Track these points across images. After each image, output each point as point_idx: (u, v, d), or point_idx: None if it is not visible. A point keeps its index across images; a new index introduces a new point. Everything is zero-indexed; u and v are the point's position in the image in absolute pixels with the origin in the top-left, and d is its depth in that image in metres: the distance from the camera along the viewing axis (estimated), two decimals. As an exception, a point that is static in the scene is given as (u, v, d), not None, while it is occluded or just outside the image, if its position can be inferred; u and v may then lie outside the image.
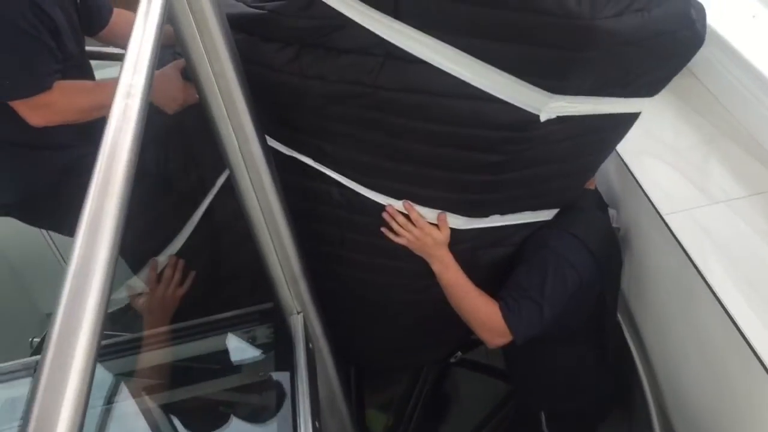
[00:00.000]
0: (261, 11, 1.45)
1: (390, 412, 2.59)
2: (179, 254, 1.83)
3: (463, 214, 1.63)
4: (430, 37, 1.35)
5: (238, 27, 1.45)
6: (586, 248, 1.70)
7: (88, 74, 1.96)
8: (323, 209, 1.65)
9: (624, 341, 1.95)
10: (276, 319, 1.62)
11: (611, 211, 1.93)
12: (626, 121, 1.62)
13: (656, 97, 2.19)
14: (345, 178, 1.59)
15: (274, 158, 1.43)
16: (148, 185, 1.76)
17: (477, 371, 2.57)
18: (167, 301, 1.81)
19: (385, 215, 1.63)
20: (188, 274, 1.84)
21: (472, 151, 1.49)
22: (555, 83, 1.39)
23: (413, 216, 1.62)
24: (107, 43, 2.05)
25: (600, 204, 1.92)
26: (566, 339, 1.82)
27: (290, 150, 1.61)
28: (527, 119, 1.43)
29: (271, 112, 1.50)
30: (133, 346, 1.75)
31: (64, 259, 2.83)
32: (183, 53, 1.14)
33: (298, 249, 1.49)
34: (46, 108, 1.66)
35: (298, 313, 1.58)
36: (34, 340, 2.37)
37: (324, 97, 1.46)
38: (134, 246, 1.88)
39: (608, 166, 1.93)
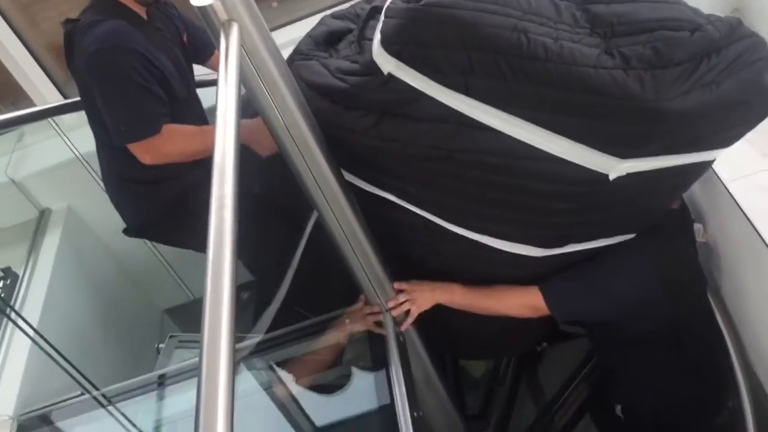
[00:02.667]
0: (344, 85, 1.55)
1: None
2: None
3: (539, 246, 1.66)
4: (499, 110, 1.43)
5: (323, 95, 1.59)
6: (653, 270, 1.70)
7: (198, 112, 2.21)
8: (409, 236, 1.71)
9: (725, 350, 1.87)
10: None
11: (697, 226, 1.88)
12: (702, 166, 1.60)
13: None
14: (428, 213, 1.65)
15: (357, 191, 1.58)
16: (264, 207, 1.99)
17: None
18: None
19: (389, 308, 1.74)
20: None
21: (545, 200, 1.54)
22: (623, 151, 1.43)
23: (398, 286, 1.74)
24: (215, 69, 2.30)
25: (683, 220, 1.88)
26: (639, 341, 1.80)
27: (374, 188, 1.67)
28: (597, 177, 1.47)
29: (355, 160, 1.61)
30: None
31: (167, 261, 3.11)
32: (258, 110, 1.30)
33: (379, 256, 1.64)
34: (155, 150, 1.92)
35: (387, 311, 1.74)
36: (160, 346, 2.63)
37: (404, 156, 1.54)
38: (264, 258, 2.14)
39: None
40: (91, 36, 1.86)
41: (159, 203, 2.13)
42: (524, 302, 1.73)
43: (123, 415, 1.97)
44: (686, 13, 1.42)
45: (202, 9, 1.11)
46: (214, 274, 0.79)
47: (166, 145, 1.91)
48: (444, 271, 1.77)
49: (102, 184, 2.82)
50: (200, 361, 0.72)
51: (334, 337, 1.93)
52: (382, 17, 1.49)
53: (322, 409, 1.95)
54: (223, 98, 1.00)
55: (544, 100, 1.39)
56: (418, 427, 1.53)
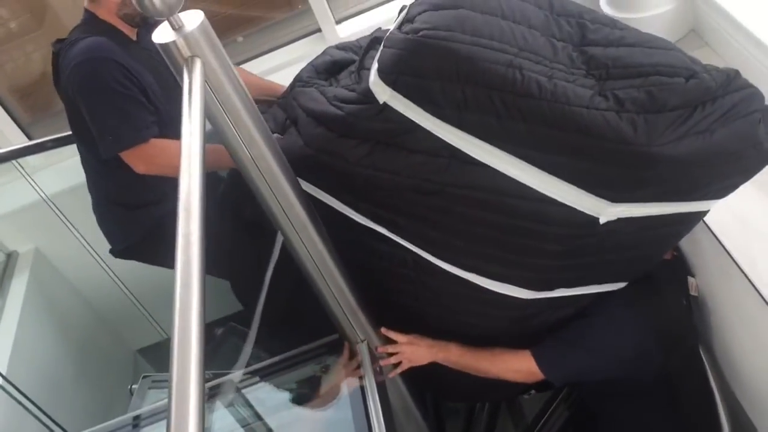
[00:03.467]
0: (339, 112, 1.56)
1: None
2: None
3: (528, 288, 1.65)
4: (492, 146, 1.44)
5: (319, 121, 1.60)
6: (645, 325, 1.69)
7: None
8: (398, 271, 1.71)
9: (715, 408, 1.82)
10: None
11: (690, 280, 1.82)
12: (696, 216, 1.59)
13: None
14: (417, 247, 1.64)
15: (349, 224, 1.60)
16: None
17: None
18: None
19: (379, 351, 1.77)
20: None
21: (535, 240, 1.53)
22: (614, 194, 1.43)
23: (392, 335, 1.77)
24: None
25: (677, 273, 1.83)
26: (630, 393, 1.79)
27: (365, 219, 1.66)
28: (588, 220, 1.47)
29: (348, 189, 1.62)
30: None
31: (139, 300, 3.07)
32: (224, 144, 1.30)
33: (350, 285, 1.63)
34: (149, 158, 1.91)
35: (362, 341, 1.72)
36: (133, 386, 2.58)
37: (395, 187, 1.55)
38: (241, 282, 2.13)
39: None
40: (72, 52, 1.89)
41: (145, 225, 2.15)
42: (519, 367, 1.73)
43: (96, 460, 1.93)
44: (682, 60, 1.42)
45: (164, 46, 1.11)
46: (182, 313, 0.78)
47: (161, 156, 1.90)
48: (432, 308, 1.77)
49: (69, 224, 2.81)
50: (169, 401, 0.71)
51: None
52: (381, 47, 1.50)
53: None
54: (187, 134, 0.99)
55: (537, 138, 1.40)
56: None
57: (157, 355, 3.33)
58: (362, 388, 1.64)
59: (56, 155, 2.71)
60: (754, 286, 1.56)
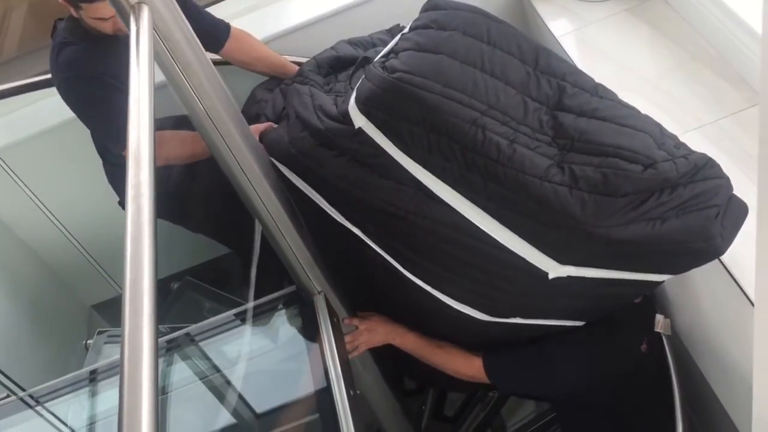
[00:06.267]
0: (320, 126, 1.60)
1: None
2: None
3: (485, 312, 1.68)
4: (454, 190, 1.48)
5: (304, 126, 1.64)
6: (594, 366, 1.70)
7: None
8: (370, 268, 1.74)
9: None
10: (300, 301, 1.78)
11: (658, 317, 1.80)
12: (651, 284, 1.59)
13: (628, 25, 2.24)
14: (386, 254, 1.68)
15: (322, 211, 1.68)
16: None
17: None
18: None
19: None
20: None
21: (491, 277, 1.57)
22: (562, 257, 1.46)
23: (350, 322, 1.84)
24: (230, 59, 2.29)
25: (642, 316, 1.80)
26: (595, 410, 1.83)
27: (338, 215, 1.70)
28: (539, 272, 1.50)
29: (324, 185, 1.66)
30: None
31: (92, 256, 3.03)
32: (176, 94, 1.27)
33: (306, 239, 1.63)
34: None
35: (319, 293, 1.73)
36: (88, 342, 2.56)
37: (365, 204, 1.59)
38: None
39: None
40: (59, 61, 1.94)
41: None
42: (469, 372, 1.79)
43: (53, 414, 1.91)
44: (646, 146, 1.40)
45: (110, -8, 1.08)
46: (133, 265, 0.77)
47: (161, 150, 1.85)
48: (398, 301, 1.80)
49: (20, 182, 2.72)
50: (122, 355, 0.71)
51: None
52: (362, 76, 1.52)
53: (260, 394, 1.94)
54: (135, 83, 0.97)
55: (493, 194, 1.43)
56: (354, 405, 1.54)
57: (113, 311, 3.30)
58: (319, 338, 1.65)
59: (3, 106, 2.61)
60: (732, 277, 1.57)
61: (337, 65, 1.91)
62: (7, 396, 1.98)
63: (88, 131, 2.16)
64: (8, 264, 2.92)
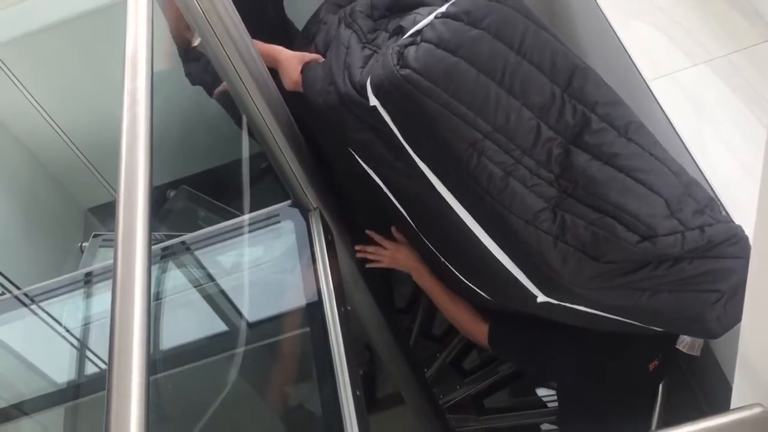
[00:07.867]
0: (343, 90, 1.53)
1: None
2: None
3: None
4: (450, 193, 1.43)
5: (329, 81, 1.59)
6: (591, 376, 1.60)
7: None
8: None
9: None
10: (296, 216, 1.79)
11: (682, 338, 1.55)
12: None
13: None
14: (401, 207, 1.65)
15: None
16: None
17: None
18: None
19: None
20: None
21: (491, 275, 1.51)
22: (545, 290, 1.38)
23: (378, 239, 1.87)
24: None
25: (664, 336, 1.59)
26: None
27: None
28: (530, 293, 1.42)
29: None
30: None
31: (89, 159, 3.02)
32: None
33: (304, 156, 1.63)
34: None
35: (315, 209, 1.74)
36: (84, 245, 2.58)
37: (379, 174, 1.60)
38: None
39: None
40: None
41: None
42: (473, 332, 1.80)
43: (47, 313, 1.95)
44: (654, 213, 1.26)
45: None
46: (128, 171, 0.76)
47: None
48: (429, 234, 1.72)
49: (17, 80, 2.67)
50: (115, 258, 0.71)
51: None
52: (386, 50, 1.45)
53: (252, 304, 1.97)
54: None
55: (482, 212, 1.39)
56: (345, 321, 1.57)
57: (108, 214, 3.31)
58: (312, 254, 1.67)
59: (-2, 1, 2.54)
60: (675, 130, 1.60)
61: (394, 8, 1.73)
62: (2, 294, 2.01)
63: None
64: (4, 163, 2.91)
